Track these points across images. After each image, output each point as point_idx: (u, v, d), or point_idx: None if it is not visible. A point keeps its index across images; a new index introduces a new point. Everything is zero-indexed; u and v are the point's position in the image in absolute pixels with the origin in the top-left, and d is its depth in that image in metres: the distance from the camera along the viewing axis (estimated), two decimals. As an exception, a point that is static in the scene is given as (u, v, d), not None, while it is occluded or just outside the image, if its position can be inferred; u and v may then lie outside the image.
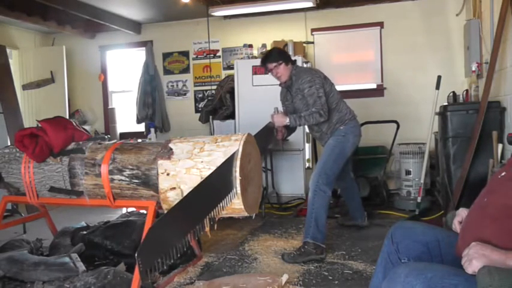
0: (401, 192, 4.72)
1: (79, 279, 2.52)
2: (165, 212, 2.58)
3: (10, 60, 5.88)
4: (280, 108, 3.47)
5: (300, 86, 3.31)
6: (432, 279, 1.27)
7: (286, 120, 3.27)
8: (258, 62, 5.02)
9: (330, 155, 3.30)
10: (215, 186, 2.36)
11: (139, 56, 6.53)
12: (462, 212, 1.61)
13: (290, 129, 3.49)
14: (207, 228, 2.36)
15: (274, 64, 3.35)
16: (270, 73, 3.45)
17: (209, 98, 6.06)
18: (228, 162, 2.38)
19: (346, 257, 3.16)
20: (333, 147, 3.34)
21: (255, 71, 4.99)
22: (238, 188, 2.36)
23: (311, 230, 3.11)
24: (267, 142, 3.51)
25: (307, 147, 5.06)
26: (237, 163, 2.37)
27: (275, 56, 3.38)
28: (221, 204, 2.39)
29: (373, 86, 5.68)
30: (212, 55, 6.22)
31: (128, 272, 2.67)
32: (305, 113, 3.25)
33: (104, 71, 6.72)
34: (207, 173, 2.42)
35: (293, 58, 3.63)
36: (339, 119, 3.38)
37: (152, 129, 6.04)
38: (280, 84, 3.51)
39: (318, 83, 3.26)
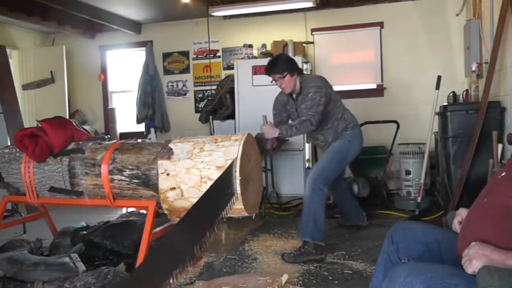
0: (401, 192, 4.72)
1: (79, 279, 2.52)
2: (165, 211, 2.59)
3: (10, 60, 5.87)
4: (269, 118, 3.34)
5: (307, 91, 3.21)
6: (432, 279, 1.27)
7: (277, 132, 3.13)
8: (258, 62, 5.07)
9: (333, 158, 3.30)
10: (218, 193, 2.31)
11: (139, 56, 6.52)
12: (462, 212, 1.61)
13: (281, 139, 3.34)
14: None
15: (278, 75, 3.24)
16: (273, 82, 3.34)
17: (209, 98, 6.05)
18: (229, 166, 2.37)
19: (346, 257, 3.16)
20: (338, 150, 3.33)
21: (255, 71, 4.99)
22: (239, 188, 2.36)
23: (310, 229, 3.10)
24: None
25: (307, 147, 5.05)
26: (237, 163, 2.37)
27: (280, 66, 3.24)
28: (225, 211, 2.36)
29: (373, 86, 5.68)
30: (212, 55, 6.21)
31: (127, 272, 2.67)
32: (295, 123, 3.19)
33: (104, 71, 6.71)
34: (207, 173, 2.42)
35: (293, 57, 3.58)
36: (345, 127, 3.39)
37: (152, 129, 6.04)
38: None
39: (325, 92, 3.18)
